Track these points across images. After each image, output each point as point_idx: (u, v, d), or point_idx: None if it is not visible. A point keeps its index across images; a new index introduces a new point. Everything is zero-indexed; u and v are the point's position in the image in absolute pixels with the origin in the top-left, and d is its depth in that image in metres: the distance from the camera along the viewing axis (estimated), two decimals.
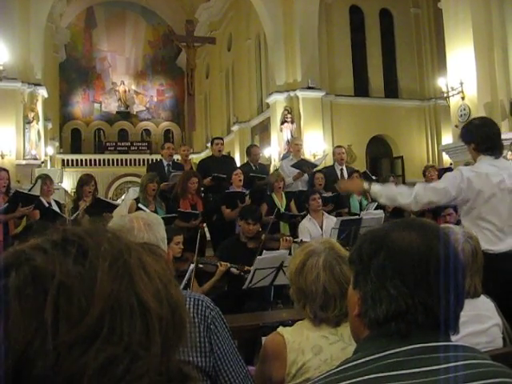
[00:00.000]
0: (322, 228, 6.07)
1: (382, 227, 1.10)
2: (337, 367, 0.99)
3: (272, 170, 10.09)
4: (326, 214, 6.28)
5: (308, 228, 6.00)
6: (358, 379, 0.93)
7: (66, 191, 14.86)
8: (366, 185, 3.62)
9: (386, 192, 3.52)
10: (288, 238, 5.34)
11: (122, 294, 0.56)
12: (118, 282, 0.57)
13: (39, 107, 15.17)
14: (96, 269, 0.56)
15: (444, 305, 1.01)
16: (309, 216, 6.19)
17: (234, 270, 4.70)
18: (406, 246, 1.02)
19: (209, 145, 23.86)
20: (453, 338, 1.06)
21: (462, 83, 10.16)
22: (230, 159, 9.02)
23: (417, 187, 3.48)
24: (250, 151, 8.25)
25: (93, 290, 0.55)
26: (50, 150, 19.71)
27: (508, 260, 3.33)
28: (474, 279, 2.19)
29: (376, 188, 3.54)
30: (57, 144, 24.67)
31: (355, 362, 0.97)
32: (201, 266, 4.68)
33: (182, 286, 3.48)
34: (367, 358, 0.97)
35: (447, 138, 14.68)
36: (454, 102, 10.54)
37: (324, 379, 0.97)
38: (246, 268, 4.59)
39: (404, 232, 1.05)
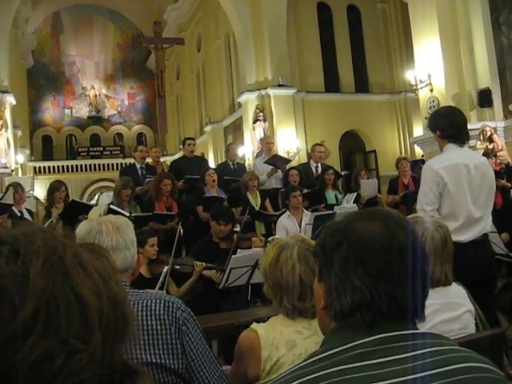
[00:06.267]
0: (300, 225, 6.01)
1: (345, 218, 1.10)
2: (304, 361, 0.99)
3: (247, 169, 10.08)
4: (305, 212, 6.23)
5: (286, 225, 5.94)
6: (324, 372, 0.92)
7: (37, 199, 14.64)
8: None
9: None
10: (261, 237, 5.34)
11: (58, 290, 0.57)
12: (53, 278, 0.57)
13: (7, 115, 14.94)
14: (28, 266, 0.57)
15: (408, 293, 1.01)
16: (288, 213, 6.14)
17: (208, 271, 4.71)
18: (368, 236, 1.02)
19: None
20: (426, 325, 1.06)
21: (429, 75, 10.27)
22: (202, 159, 9.03)
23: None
24: (229, 149, 8.29)
25: (25, 287, 0.55)
26: (21, 158, 19.41)
27: (475, 247, 3.40)
28: (444, 267, 2.21)
29: None
30: (27, 152, 24.29)
31: (321, 355, 0.97)
32: (177, 267, 4.65)
33: (156, 289, 3.46)
34: (333, 351, 0.96)
35: (418, 130, 14.85)
36: (423, 94, 10.66)
37: (291, 373, 0.97)
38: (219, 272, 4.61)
39: (366, 222, 1.05)
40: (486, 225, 3.52)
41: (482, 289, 3.28)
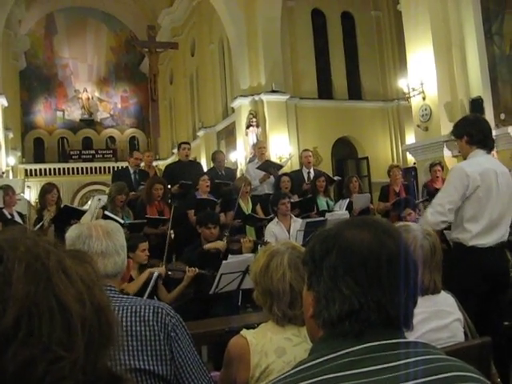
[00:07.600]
0: (289, 232, 6.02)
1: (334, 226, 1.10)
2: (292, 369, 0.99)
3: (239, 174, 10.06)
4: (293, 218, 6.24)
5: (275, 232, 5.94)
6: (313, 380, 0.92)
7: (28, 202, 14.57)
8: None
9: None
10: (250, 238, 5.36)
11: (40, 296, 0.56)
12: (35, 285, 0.57)
13: None
14: (11, 272, 0.56)
15: (397, 302, 1.00)
16: (276, 219, 6.14)
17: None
18: (357, 245, 1.02)
19: (175, 151, 23.87)
20: (415, 334, 1.06)
21: (422, 84, 10.31)
22: (196, 164, 9.02)
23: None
24: (215, 157, 8.24)
25: (8, 294, 0.55)
26: (12, 160, 19.32)
27: (493, 254, 3.42)
28: (433, 275, 2.21)
29: None
30: (19, 154, 24.19)
31: (310, 363, 0.97)
32: (169, 273, 4.64)
33: (146, 295, 3.44)
34: (322, 359, 0.96)
35: (410, 137, 14.89)
36: (416, 102, 10.69)
37: (280, 381, 0.97)
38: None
39: (355, 230, 1.05)
40: (506, 232, 3.55)
41: (494, 296, 3.31)
